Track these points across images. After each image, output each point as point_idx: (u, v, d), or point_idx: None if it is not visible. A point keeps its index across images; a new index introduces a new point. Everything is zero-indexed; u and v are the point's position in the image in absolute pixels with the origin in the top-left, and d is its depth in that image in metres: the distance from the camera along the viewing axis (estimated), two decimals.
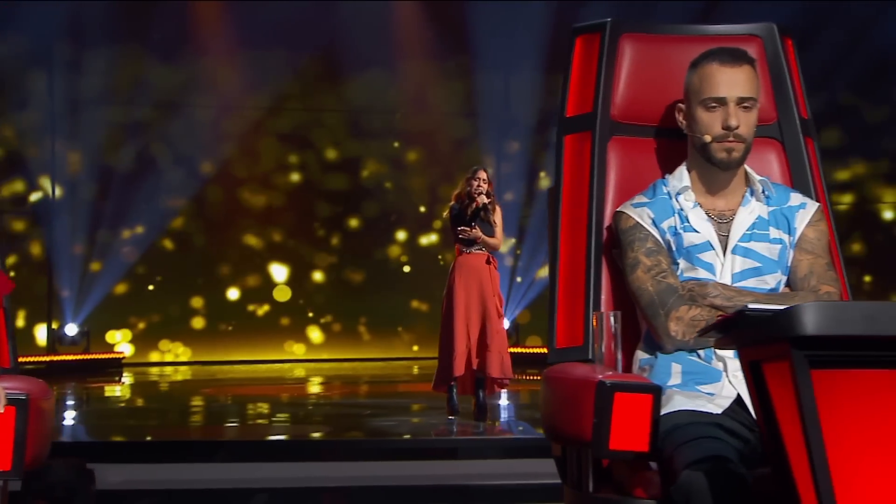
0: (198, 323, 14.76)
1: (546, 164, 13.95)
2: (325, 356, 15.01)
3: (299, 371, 13.92)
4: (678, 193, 2.63)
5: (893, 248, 15.17)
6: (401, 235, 15.26)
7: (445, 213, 7.55)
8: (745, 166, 2.65)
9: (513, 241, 14.58)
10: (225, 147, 14.58)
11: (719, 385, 2.46)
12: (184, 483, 5.81)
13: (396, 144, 15.13)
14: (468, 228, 7.26)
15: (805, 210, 2.65)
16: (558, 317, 2.72)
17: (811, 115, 2.90)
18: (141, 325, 14.54)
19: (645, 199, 2.65)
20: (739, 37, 2.85)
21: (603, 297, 2.70)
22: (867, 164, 15.21)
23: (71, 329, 13.65)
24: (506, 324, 13.52)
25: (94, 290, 13.98)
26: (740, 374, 2.27)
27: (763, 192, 2.64)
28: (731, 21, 2.94)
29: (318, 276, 15.17)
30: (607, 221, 2.74)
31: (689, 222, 2.60)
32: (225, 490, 5.77)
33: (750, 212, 2.62)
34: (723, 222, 2.61)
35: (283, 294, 15.01)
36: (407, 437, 6.98)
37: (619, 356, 2.38)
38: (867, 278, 15.23)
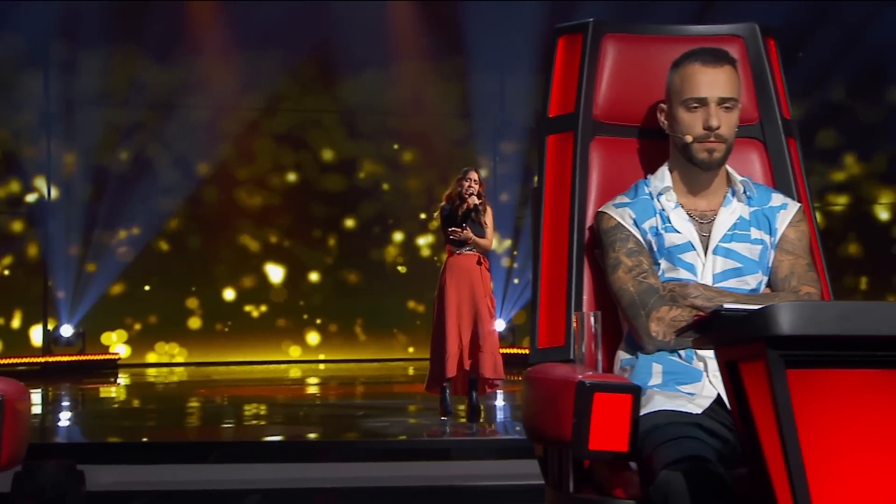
0: (193, 324, 14.76)
1: None
2: (321, 357, 15.01)
3: (295, 372, 13.92)
4: (660, 194, 2.63)
5: (889, 248, 15.17)
6: (397, 236, 15.26)
7: (436, 214, 7.55)
8: (727, 166, 2.66)
9: (509, 242, 14.58)
10: (220, 148, 14.58)
11: (700, 385, 2.46)
12: (175, 484, 5.80)
13: (396, 147, 15.13)
14: (459, 229, 7.26)
15: (786, 211, 2.65)
16: (540, 317, 2.72)
17: (793, 116, 2.90)
18: (137, 326, 14.53)
19: (626, 200, 2.65)
20: (722, 37, 2.85)
21: (585, 297, 2.70)
22: (863, 164, 15.21)
23: (66, 330, 13.65)
24: (502, 325, 13.65)
25: (90, 291, 13.97)
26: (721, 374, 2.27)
27: (744, 192, 2.64)
28: (726, 21, 2.94)
29: (314, 277, 15.17)
30: (589, 222, 2.74)
31: (670, 223, 2.60)
32: (217, 491, 5.76)
33: (731, 212, 2.62)
34: (704, 223, 2.62)
35: (278, 295, 15.01)
36: (400, 438, 6.97)
37: (600, 356, 2.38)
38: (863, 279, 15.23)
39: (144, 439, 7.13)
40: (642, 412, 2.38)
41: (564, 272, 2.69)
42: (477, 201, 7.28)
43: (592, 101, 2.80)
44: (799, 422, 1.84)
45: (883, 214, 15.39)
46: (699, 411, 2.41)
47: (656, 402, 2.43)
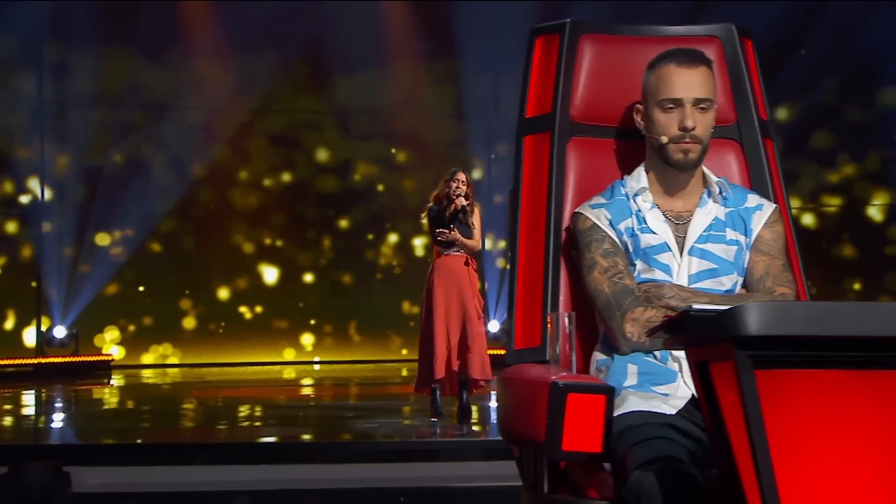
0: (187, 325, 14.75)
1: None
2: (315, 358, 15.00)
3: (289, 373, 13.91)
4: (636, 194, 2.63)
5: (883, 249, 15.18)
6: (392, 238, 15.26)
7: (424, 215, 7.55)
8: (703, 167, 2.65)
9: (503, 243, 14.58)
10: (215, 149, 14.58)
11: (674, 386, 2.45)
12: (163, 486, 5.80)
13: (391, 148, 15.13)
14: (447, 231, 7.26)
15: (761, 211, 2.65)
16: (517, 318, 2.71)
17: (770, 116, 2.90)
18: (130, 328, 14.52)
19: (603, 201, 2.65)
20: (699, 38, 2.84)
21: (561, 298, 2.69)
22: (856, 165, 15.22)
23: (59, 331, 13.64)
24: (496, 325, 13.65)
25: (83, 292, 13.97)
26: None
27: (720, 193, 2.64)
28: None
29: (308, 278, 15.16)
30: (566, 222, 2.73)
31: (646, 223, 2.60)
32: (205, 493, 5.76)
33: (707, 213, 2.62)
34: (680, 223, 2.61)
35: (272, 296, 15.01)
36: (389, 439, 6.97)
37: (574, 357, 2.38)
38: (857, 280, 15.24)
39: (133, 441, 7.11)
40: (616, 413, 2.37)
41: (541, 273, 2.69)
42: (465, 202, 7.28)
43: (569, 101, 2.79)
44: (768, 422, 1.84)
45: (877, 215, 15.40)
46: (673, 412, 2.41)
47: (630, 403, 2.43)
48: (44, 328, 13.82)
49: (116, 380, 12.82)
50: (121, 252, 14.34)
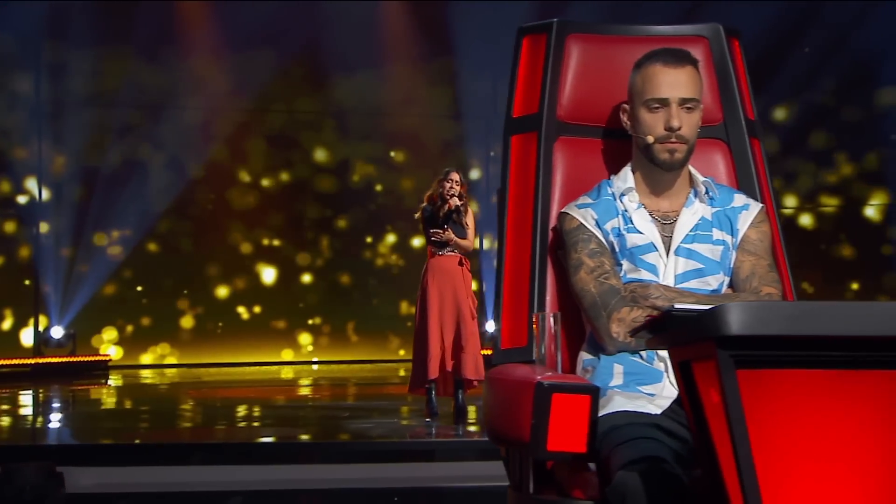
0: (185, 325, 14.74)
1: None
2: (313, 359, 15.00)
3: (286, 374, 13.91)
4: (622, 194, 2.63)
5: (881, 249, 15.19)
6: (390, 238, 15.25)
7: (417, 215, 7.55)
8: (690, 167, 2.65)
9: None
10: (212, 148, 14.57)
11: (660, 385, 2.45)
12: (158, 486, 5.79)
13: (388, 148, 15.12)
14: (440, 231, 7.26)
15: (748, 211, 2.65)
16: (503, 318, 2.71)
17: (758, 116, 2.89)
18: (128, 328, 14.51)
19: (589, 200, 2.65)
20: (686, 38, 2.84)
21: (548, 298, 2.69)
22: (854, 165, 15.23)
23: (57, 331, 13.63)
24: (493, 326, 13.63)
25: (81, 292, 13.96)
26: None
27: (707, 193, 2.64)
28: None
29: (306, 278, 15.16)
30: (553, 222, 2.73)
31: (632, 223, 2.60)
32: (200, 493, 5.75)
33: (693, 213, 2.61)
34: (667, 223, 2.61)
35: (270, 296, 15.01)
36: (384, 439, 6.96)
37: (560, 357, 2.38)
38: (854, 279, 15.24)
39: (127, 441, 7.11)
40: (601, 413, 2.37)
41: (527, 273, 2.69)
42: (458, 202, 7.28)
43: (556, 101, 2.79)
44: (750, 421, 1.84)
45: (875, 215, 15.40)
46: (658, 412, 2.41)
47: (616, 403, 2.42)
48: (41, 328, 13.82)
49: (114, 380, 12.81)
50: (118, 252, 14.34)
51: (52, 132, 13.96)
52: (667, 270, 2.57)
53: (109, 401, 10.87)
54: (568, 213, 2.63)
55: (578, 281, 2.56)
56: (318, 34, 14.18)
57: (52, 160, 14.00)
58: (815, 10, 14.13)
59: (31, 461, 5.27)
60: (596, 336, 2.55)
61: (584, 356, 2.60)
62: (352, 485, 5.92)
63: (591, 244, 2.58)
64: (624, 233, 2.59)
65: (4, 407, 9.66)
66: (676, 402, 2.42)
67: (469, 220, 7.36)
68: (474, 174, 14.68)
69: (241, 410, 9.17)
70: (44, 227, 13.97)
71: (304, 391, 11.71)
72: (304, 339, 15.10)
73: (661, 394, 2.44)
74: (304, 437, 7.27)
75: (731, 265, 2.62)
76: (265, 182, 15.00)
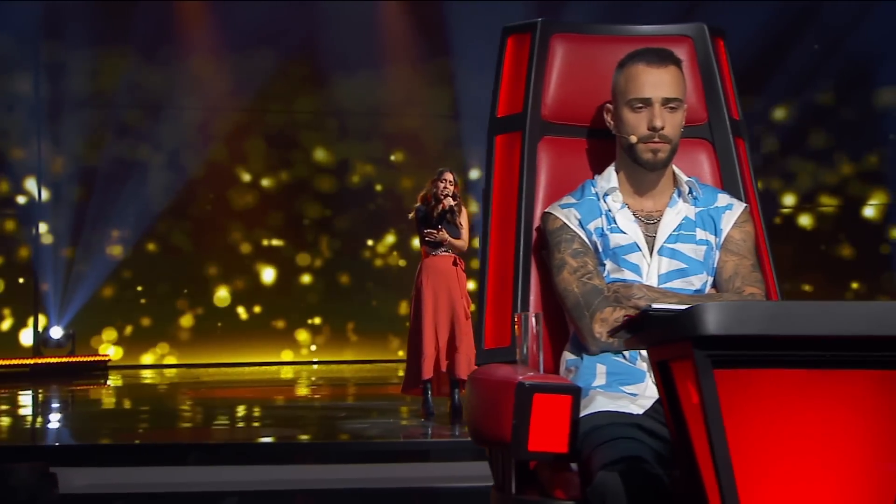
0: (185, 325, 14.74)
1: None
2: (313, 359, 15.00)
3: (285, 374, 13.91)
4: (606, 194, 2.62)
5: (881, 249, 15.18)
6: (389, 238, 15.25)
7: (412, 215, 7.56)
8: (674, 167, 2.65)
9: None
10: (211, 148, 14.58)
11: (643, 385, 2.45)
12: (152, 486, 5.79)
13: (387, 148, 15.12)
14: (435, 231, 7.26)
15: (731, 211, 2.64)
16: (487, 318, 2.71)
17: (742, 116, 2.89)
18: (128, 328, 14.51)
19: (573, 200, 2.64)
20: (670, 37, 2.83)
21: (532, 298, 2.69)
22: (853, 165, 15.21)
23: (56, 331, 13.63)
24: None
25: (80, 292, 13.96)
26: None
27: (690, 192, 2.64)
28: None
29: (305, 278, 15.16)
30: (537, 222, 2.73)
31: (615, 223, 2.59)
32: (195, 493, 5.75)
33: (677, 213, 2.61)
34: (650, 223, 2.61)
35: (270, 296, 15.00)
36: (380, 439, 6.96)
37: (542, 357, 2.37)
38: (854, 279, 15.23)
39: (123, 441, 7.11)
40: (583, 413, 2.37)
41: (511, 273, 2.68)
42: (452, 202, 7.29)
43: (541, 101, 2.79)
44: (727, 421, 1.84)
45: (874, 215, 15.39)
46: (641, 412, 2.40)
47: (598, 403, 2.42)
48: (40, 328, 13.82)
49: (113, 380, 12.81)
50: (118, 252, 14.34)
51: (51, 132, 13.97)
52: (650, 270, 2.56)
53: (107, 401, 10.87)
54: (551, 213, 2.63)
55: (561, 281, 2.56)
56: (317, 34, 14.18)
57: (51, 160, 14.01)
58: (813, 9, 14.12)
59: (24, 462, 5.27)
60: (579, 336, 2.54)
61: (568, 356, 2.59)
62: (347, 485, 5.92)
63: (575, 244, 2.58)
64: (607, 233, 2.59)
65: (3, 407, 9.66)
66: (659, 401, 2.40)
67: (463, 220, 7.36)
68: (473, 174, 14.67)
69: (239, 411, 9.17)
70: (43, 227, 13.97)
71: (303, 391, 11.71)
72: (304, 339, 15.09)
73: (643, 394, 2.44)
74: (300, 437, 7.27)
75: (715, 265, 2.61)
76: (265, 182, 15.00)
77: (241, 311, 14.91)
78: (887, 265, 15.04)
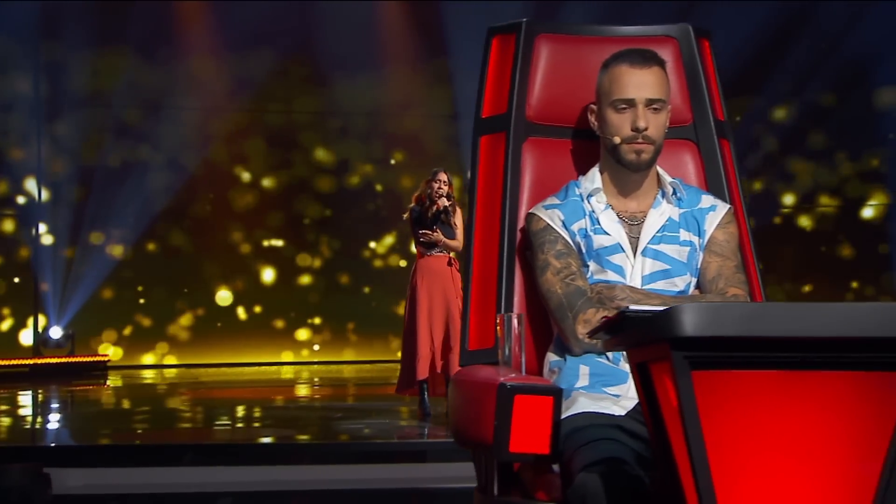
0: (184, 325, 14.75)
1: None
2: (313, 359, 15.00)
3: (285, 374, 13.91)
4: (590, 195, 2.62)
5: (881, 249, 15.16)
6: (389, 238, 15.25)
7: (406, 216, 7.56)
8: (658, 168, 2.64)
9: None
10: (211, 148, 14.58)
11: (625, 387, 2.44)
12: (147, 487, 5.78)
13: (391, 153, 15.12)
14: (430, 232, 7.26)
15: (715, 212, 2.64)
16: (471, 319, 2.70)
17: (727, 117, 2.88)
18: (127, 328, 14.52)
19: (556, 201, 2.64)
20: (655, 38, 2.83)
21: (516, 299, 2.68)
22: (852, 165, 15.20)
23: (55, 332, 13.64)
24: None
25: (80, 293, 13.97)
26: None
27: (674, 193, 2.63)
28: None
29: (305, 278, 15.16)
30: (521, 223, 2.72)
31: (599, 224, 2.59)
32: (188, 494, 5.74)
33: (660, 214, 2.60)
34: (634, 224, 2.60)
35: (269, 296, 15.00)
36: (375, 440, 6.95)
37: (524, 358, 2.37)
38: (854, 279, 15.22)
39: (118, 442, 7.10)
40: (565, 414, 2.37)
41: (495, 274, 2.68)
42: (447, 202, 7.29)
43: (525, 101, 2.78)
44: (705, 422, 1.84)
45: (874, 215, 15.37)
46: (623, 413, 2.40)
47: (580, 405, 2.42)
48: (40, 329, 13.83)
49: (112, 381, 12.81)
50: (117, 252, 14.35)
51: (51, 132, 13.98)
52: (633, 271, 2.56)
53: (105, 402, 10.86)
54: (535, 214, 2.63)
55: (545, 282, 2.55)
56: (316, 34, 14.18)
57: (50, 160, 14.02)
58: (812, 9, 14.11)
59: (17, 462, 5.27)
60: (562, 337, 2.54)
61: (551, 357, 2.59)
62: (343, 486, 5.91)
63: (558, 245, 2.57)
64: (591, 234, 2.58)
65: (1, 407, 9.66)
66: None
67: (458, 221, 7.36)
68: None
69: (236, 411, 9.17)
70: (43, 228, 13.98)
71: (301, 392, 11.71)
72: (304, 339, 15.10)
73: (626, 395, 2.43)
74: (297, 437, 7.26)
75: (699, 266, 2.61)
76: (264, 182, 15.00)
77: (241, 312, 14.91)
78: (888, 266, 15.02)
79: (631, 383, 2.45)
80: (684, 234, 2.59)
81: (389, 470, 6.19)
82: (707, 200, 2.66)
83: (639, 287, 2.53)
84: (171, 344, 14.69)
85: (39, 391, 11.32)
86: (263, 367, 14.39)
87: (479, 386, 2.34)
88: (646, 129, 2.53)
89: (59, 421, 8.74)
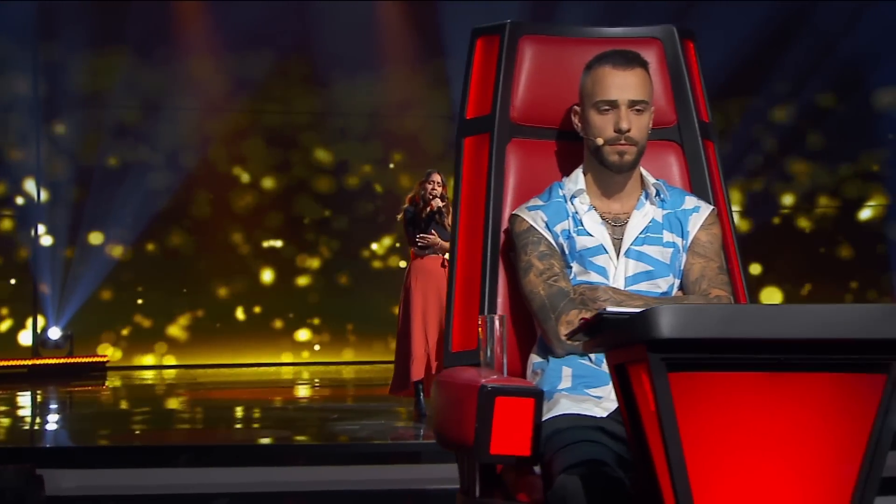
0: (183, 326, 14.74)
1: None
2: (312, 360, 15.00)
3: (284, 374, 13.91)
4: (573, 196, 2.62)
5: (879, 250, 15.15)
6: (388, 239, 15.25)
7: (400, 217, 7.57)
8: (641, 169, 2.64)
9: None
10: (210, 149, 14.58)
11: (607, 388, 2.44)
12: (142, 488, 5.78)
13: (391, 154, 15.12)
14: (427, 236, 7.27)
15: (698, 214, 2.63)
16: (454, 320, 2.70)
17: (712, 119, 2.88)
18: (126, 329, 14.51)
19: (540, 203, 2.64)
20: (639, 39, 2.82)
21: (499, 300, 2.68)
22: (850, 166, 15.19)
23: (54, 332, 13.64)
24: None
25: (79, 293, 13.97)
26: None
27: (658, 195, 2.63)
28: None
29: (305, 278, 15.16)
30: (505, 224, 2.72)
31: (582, 225, 2.59)
32: (185, 495, 5.74)
33: (644, 215, 2.60)
34: (617, 225, 2.60)
35: (269, 296, 15.00)
36: (370, 441, 6.95)
37: (505, 360, 2.37)
38: (853, 280, 15.21)
39: (112, 443, 7.10)
40: (547, 416, 2.37)
41: (478, 275, 2.68)
42: (440, 203, 7.29)
43: (509, 102, 2.78)
44: (682, 424, 1.84)
45: (873, 216, 15.36)
46: (605, 414, 2.40)
47: (562, 406, 2.41)
48: (39, 329, 13.83)
49: (111, 381, 12.81)
50: (116, 253, 14.35)
51: (49, 132, 13.98)
52: (617, 273, 2.55)
53: (103, 403, 10.86)
54: (518, 216, 2.62)
55: (528, 283, 2.55)
56: (315, 35, 14.18)
57: (49, 161, 14.01)
58: (810, 10, 14.10)
59: (10, 464, 5.26)
60: (545, 339, 2.54)
61: (534, 359, 2.59)
62: (338, 487, 5.91)
63: (541, 246, 2.57)
64: (574, 235, 2.58)
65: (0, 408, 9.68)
66: None
67: (451, 221, 7.34)
68: None
69: (232, 412, 9.17)
70: (42, 228, 13.98)
71: (299, 392, 11.71)
72: (303, 340, 15.09)
73: (608, 396, 2.43)
74: (292, 438, 7.26)
75: (682, 267, 2.60)
76: (264, 183, 15.00)
77: (240, 312, 14.91)
78: (887, 266, 15.02)
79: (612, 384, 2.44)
80: (668, 236, 2.59)
81: (385, 471, 6.19)
82: (691, 202, 2.65)
83: (622, 288, 2.53)
84: (170, 345, 14.68)
85: (38, 392, 11.32)
86: (262, 368, 14.38)
87: (461, 388, 2.34)
88: (628, 130, 2.53)
89: (54, 422, 8.74)
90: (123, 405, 10.37)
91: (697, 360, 1.83)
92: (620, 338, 1.88)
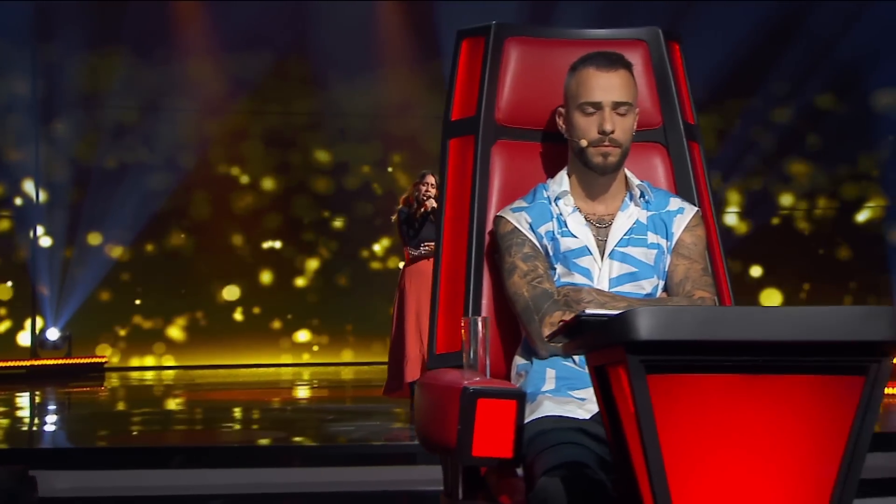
0: (182, 327, 14.74)
1: None
2: (311, 360, 15.00)
3: (283, 375, 13.90)
4: (557, 198, 2.61)
5: (878, 251, 15.15)
6: (387, 240, 15.25)
7: (394, 218, 7.57)
8: (626, 171, 2.64)
9: None
10: (209, 150, 14.59)
11: (591, 390, 2.40)
12: (136, 490, 5.76)
13: (390, 155, 15.12)
14: (432, 242, 7.29)
15: (683, 215, 2.63)
16: (439, 322, 2.70)
17: (697, 120, 2.87)
18: (125, 330, 14.52)
19: (524, 204, 2.64)
20: (625, 41, 2.82)
21: (484, 302, 2.68)
22: (850, 167, 15.19)
23: (53, 333, 13.64)
24: None
25: (77, 294, 13.97)
26: None
27: (642, 196, 2.62)
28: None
29: (304, 279, 15.16)
30: (490, 226, 2.72)
31: (566, 227, 2.58)
32: (179, 497, 5.73)
33: (628, 216, 2.60)
34: (602, 227, 2.60)
35: (268, 297, 14.99)
36: (365, 442, 6.94)
37: (488, 361, 2.36)
38: (852, 281, 15.20)
39: (108, 444, 7.09)
40: (530, 418, 2.36)
41: (463, 277, 2.68)
42: (434, 205, 7.29)
43: (494, 104, 2.78)
44: (661, 425, 1.83)
45: (872, 217, 15.36)
46: (588, 416, 2.39)
47: (545, 408, 2.41)
48: (38, 330, 13.83)
49: (109, 382, 12.81)
50: (115, 254, 14.35)
51: (47, 134, 13.99)
52: (601, 274, 2.55)
53: (100, 404, 10.85)
54: (502, 217, 2.62)
55: (512, 285, 2.55)
56: (314, 36, 14.19)
57: (48, 161, 14.03)
58: (808, 11, 14.09)
59: (2, 465, 5.25)
60: (529, 340, 2.53)
61: (518, 360, 2.58)
62: (333, 488, 5.90)
63: (525, 248, 2.57)
64: (558, 236, 2.58)
65: None
66: None
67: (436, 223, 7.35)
68: None
69: (229, 413, 9.16)
70: (40, 229, 13.99)
71: (297, 393, 11.70)
72: (302, 341, 15.09)
73: (591, 398, 2.42)
74: (287, 440, 7.25)
75: (666, 269, 2.60)
76: (263, 183, 15.00)
77: (239, 313, 14.91)
78: (886, 267, 15.01)
79: None
80: (652, 237, 2.58)
81: (379, 472, 6.18)
82: (675, 203, 2.65)
83: (606, 290, 2.53)
84: (168, 346, 14.69)
85: (36, 393, 11.31)
86: (261, 369, 14.38)
87: (443, 390, 2.33)
88: (612, 132, 2.53)
89: (49, 423, 8.73)
90: (121, 406, 10.36)
91: (676, 362, 1.82)
92: (599, 340, 1.88)
